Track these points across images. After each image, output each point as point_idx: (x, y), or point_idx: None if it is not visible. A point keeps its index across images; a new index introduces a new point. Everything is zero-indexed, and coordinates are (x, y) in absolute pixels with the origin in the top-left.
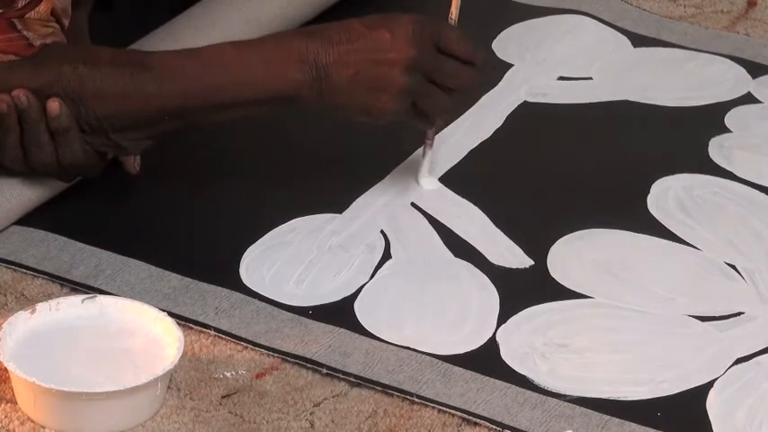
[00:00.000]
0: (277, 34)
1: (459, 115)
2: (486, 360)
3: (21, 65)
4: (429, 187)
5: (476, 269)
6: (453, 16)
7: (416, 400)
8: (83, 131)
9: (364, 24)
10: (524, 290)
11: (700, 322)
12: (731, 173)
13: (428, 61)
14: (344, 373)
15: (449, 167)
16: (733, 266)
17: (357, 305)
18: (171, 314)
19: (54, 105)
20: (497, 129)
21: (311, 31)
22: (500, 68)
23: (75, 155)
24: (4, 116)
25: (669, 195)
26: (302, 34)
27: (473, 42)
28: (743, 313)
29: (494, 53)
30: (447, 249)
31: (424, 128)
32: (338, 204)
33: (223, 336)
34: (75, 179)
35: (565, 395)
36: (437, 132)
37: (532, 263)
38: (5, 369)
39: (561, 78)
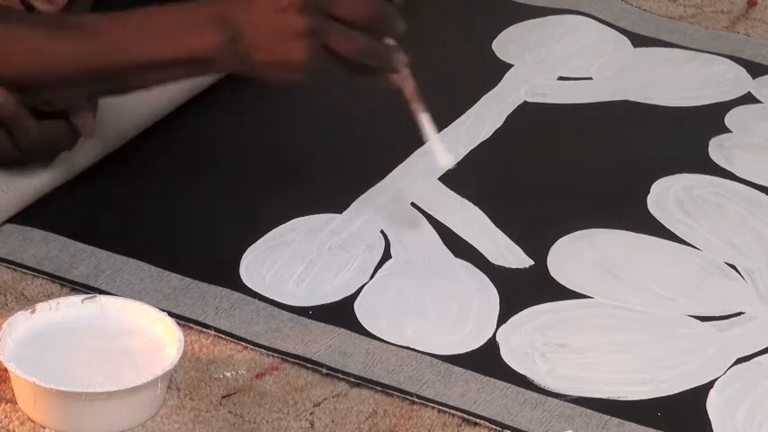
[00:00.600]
0: None
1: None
2: (486, 360)
3: None
4: (445, 160)
5: (476, 269)
6: None
7: (416, 400)
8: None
9: None
10: (524, 290)
11: (700, 322)
12: (731, 173)
13: None
14: (344, 373)
15: (449, 167)
16: (733, 266)
17: (357, 305)
18: (171, 314)
19: None
20: (497, 129)
21: None
22: (500, 68)
23: (29, 131)
24: None
25: (669, 195)
26: None
27: None
28: (743, 313)
29: (494, 53)
30: (447, 249)
31: (377, 82)
32: (338, 204)
33: (223, 336)
34: (47, 156)
35: (565, 395)
36: (410, 89)
37: (532, 263)
38: (5, 369)
39: (561, 78)
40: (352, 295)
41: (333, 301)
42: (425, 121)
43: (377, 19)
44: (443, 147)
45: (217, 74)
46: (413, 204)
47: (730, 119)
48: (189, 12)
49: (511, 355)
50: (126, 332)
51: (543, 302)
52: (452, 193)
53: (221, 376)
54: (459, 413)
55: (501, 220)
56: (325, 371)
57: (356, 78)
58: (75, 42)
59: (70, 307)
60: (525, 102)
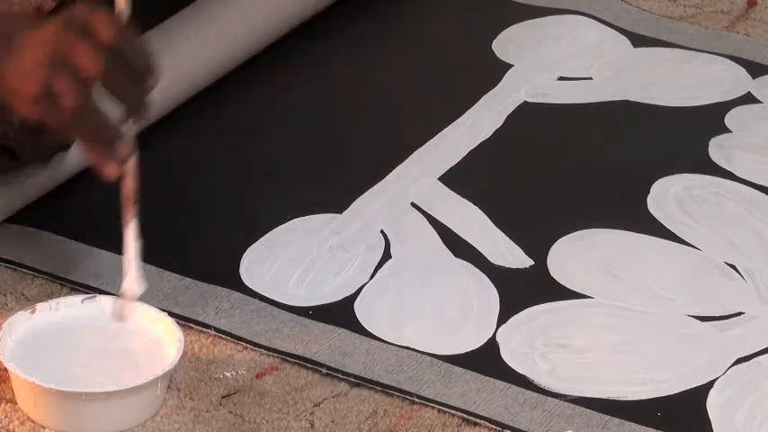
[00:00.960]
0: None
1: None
2: (486, 360)
3: None
4: (135, 289)
5: (476, 269)
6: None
7: (416, 400)
8: None
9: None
10: (524, 290)
11: (700, 322)
12: (731, 173)
13: (62, 35)
14: (344, 373)
15: (449, 167)
16: (733, 266)
17: (357, 305)
18: (171, 314)
19: None
20: (497, 129)
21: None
22: (500, 68)
23: None
24: None
25: (669, 195)
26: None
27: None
28: (743, 313)
29: (494, 53)
30: (447, 249)
31: (96, 158)
32: (338, 204)
33: (223, 336)
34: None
35: (565, 395)
36: (129, 188)
37: (532, 263)
38: (5, 369)
39: (561, 78)
40: (352, 295)
41: (333, 301)
42: (130, 234)
43: (124, 47)
44: (138, 274)
45: None
46: (413, 204)
47: (730, 119)
48: None
49: (511, 355)
50: (126, 332)
51: (543, 302)
52: (452, 193)
53: (221, 376)
54: (459, 413)
55: (501, 220)
56: (325, 371)
57: (67, 134)
58: None
59: (70, 307)
60: (525, 102)
